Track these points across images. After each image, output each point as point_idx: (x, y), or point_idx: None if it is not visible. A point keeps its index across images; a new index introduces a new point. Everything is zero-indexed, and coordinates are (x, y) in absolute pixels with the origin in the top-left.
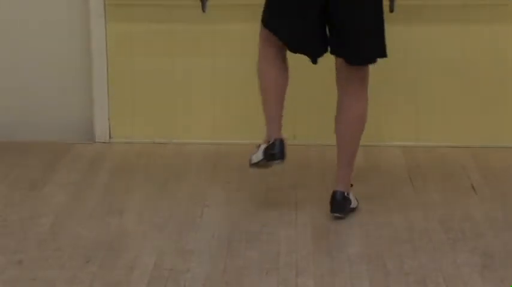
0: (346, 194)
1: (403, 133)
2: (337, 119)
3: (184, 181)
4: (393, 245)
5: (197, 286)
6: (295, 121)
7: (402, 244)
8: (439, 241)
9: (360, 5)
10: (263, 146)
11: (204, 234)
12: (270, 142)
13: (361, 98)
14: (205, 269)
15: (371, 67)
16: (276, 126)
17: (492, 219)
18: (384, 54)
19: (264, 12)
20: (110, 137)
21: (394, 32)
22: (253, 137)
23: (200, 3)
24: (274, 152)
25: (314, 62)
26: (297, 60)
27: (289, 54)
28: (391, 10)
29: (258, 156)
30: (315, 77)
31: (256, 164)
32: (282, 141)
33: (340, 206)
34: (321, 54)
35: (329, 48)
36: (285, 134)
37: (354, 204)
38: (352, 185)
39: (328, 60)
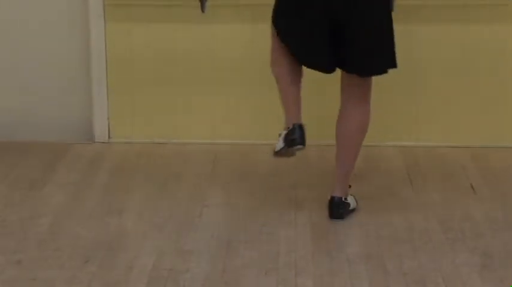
0: (344, 198)
1: (403, 133)
2: (338, 126)
3: (183, 181)
4: (393, 245)
5: (196, 286)
6: None
7: (402, 244)
8: (439, 241)
9: (369, 20)
10: (283, 133)
11: (203, 234)
12: (290, 128)
13: (364, 110)
14: (205, 269)
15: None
16: (295, 112)
17: (492, 219)
18: (393, 65)
19: (273, 15)
20: (109, 137)
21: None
22: (253, 137)
23: (199, 4)
24: (294, 137)
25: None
26: None
27: None
28: (391, 10)
29: (280, 144)
30: (315, 76)
31: (279, 152)
32: (301, 127)
33: (339, 212)
34: (329, 70)
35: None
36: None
37: (352, 205)
38: (350, 186)
39: None
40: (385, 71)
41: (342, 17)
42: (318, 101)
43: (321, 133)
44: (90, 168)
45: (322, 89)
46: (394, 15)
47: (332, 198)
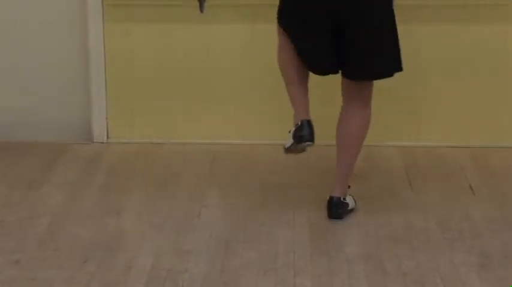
0: (342, 198)
1: (402, 133)
2: (339, 129)
3: (182, 181)
4: (391, 245)
5: (195, 286)
6: None
7: (400, 244)
8: (437, 241)
9: (369, 21)
10: (292, 130)
11: (202, 234)
12: (298, 125)
13: (364, 114)
14: (203, 269)
15: None
16: (303, 108)
17: (490, 219)
18: (397, 68)
19: (278, 16)
20: (107, 137)
21: None
22: (252, 137)
23: (198, 4)
24: (303, 133)
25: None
26: None
27: None
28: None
29: (289, 141)
30: (315, 76)
31: (289, 149)
32: (309, 123)
33: (337, 212)
34: (331, 71)
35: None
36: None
37: (351, 205)
38: (349, 186)
39: None
40: (388, 74)
41: (344, 17)
42: (317, 101)
43: (320, 133)
44: (88, 168)
45: (322, 89)
46: None
47: (331, 198)
